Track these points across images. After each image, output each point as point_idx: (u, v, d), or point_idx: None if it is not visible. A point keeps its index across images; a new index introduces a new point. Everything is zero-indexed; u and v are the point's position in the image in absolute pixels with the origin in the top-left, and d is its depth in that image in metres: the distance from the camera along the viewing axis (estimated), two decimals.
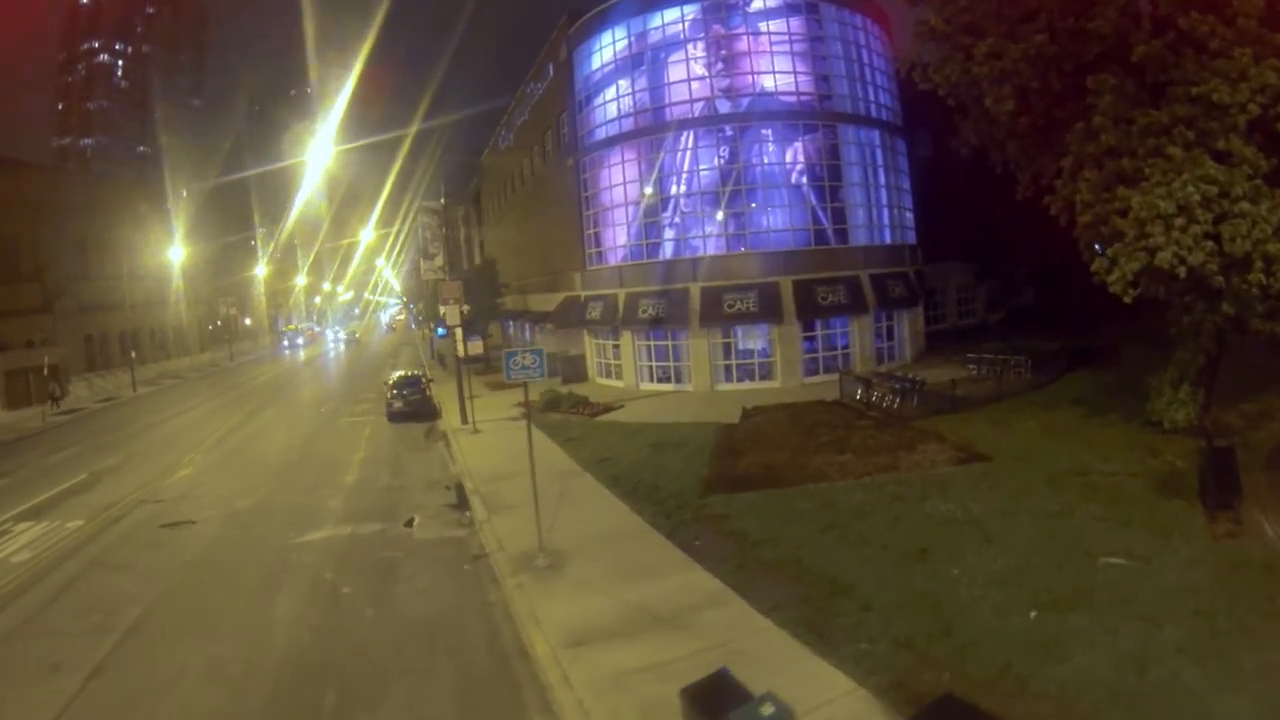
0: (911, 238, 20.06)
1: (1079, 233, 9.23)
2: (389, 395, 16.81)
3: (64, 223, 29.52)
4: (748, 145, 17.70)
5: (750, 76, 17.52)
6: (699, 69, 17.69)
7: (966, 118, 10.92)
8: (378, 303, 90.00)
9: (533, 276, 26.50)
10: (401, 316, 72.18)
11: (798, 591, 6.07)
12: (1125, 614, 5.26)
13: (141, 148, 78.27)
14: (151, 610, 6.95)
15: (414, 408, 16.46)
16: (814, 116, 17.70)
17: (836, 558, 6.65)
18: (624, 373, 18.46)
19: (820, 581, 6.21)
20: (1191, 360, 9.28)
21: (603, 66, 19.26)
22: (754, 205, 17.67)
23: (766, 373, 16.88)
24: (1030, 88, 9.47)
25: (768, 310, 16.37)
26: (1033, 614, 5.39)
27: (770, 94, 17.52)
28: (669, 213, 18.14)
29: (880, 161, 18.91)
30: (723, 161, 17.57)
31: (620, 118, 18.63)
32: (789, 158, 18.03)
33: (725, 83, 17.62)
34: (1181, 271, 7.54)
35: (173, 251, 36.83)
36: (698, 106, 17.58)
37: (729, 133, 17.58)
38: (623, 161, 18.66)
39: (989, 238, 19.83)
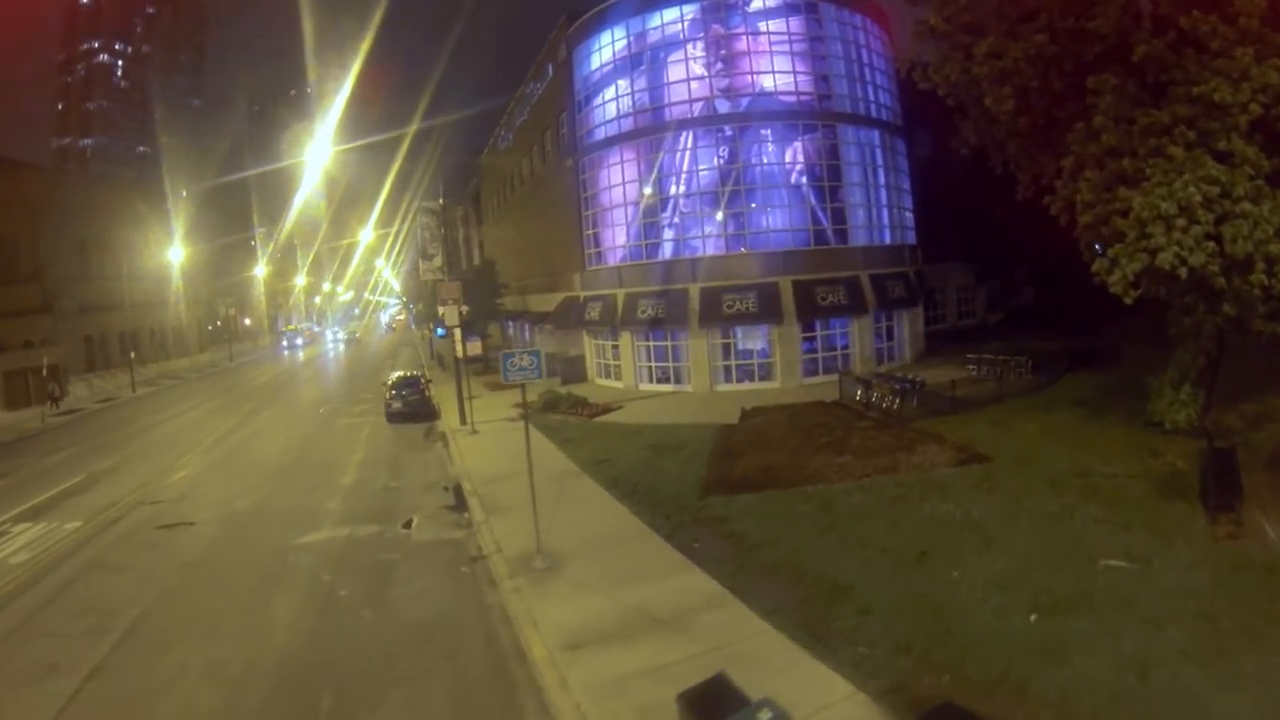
0: (911, 238, 20.02)
1: (1079, 233, 9.19)
2: (388, 396, 16.79)
3: (63, 223, 29.50)
4: (747, 145, 17.66)
5: (750, 76, 17.49)
6: (698, 69, 17.66)
7: (966, 118, 10.89)
8: (378, 303, 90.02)
9: (532, 277, 26.48)
10: (401, 317, 72.19)
11: (796, 594, 6.04)
12: (1126, 616, 5.24)
13: (141, 148, 78.31)
14: (149, 612, 6.93)
15: (413, 408, 16.44)
16: (814, 116, 17.67)
17: (835, 560, 6.62)
18: (623, 373, 18.42)
19: (819, 584, 6.18)
20: (1192, 361, 9.25)
21: (602, 66, 19.22)
22: (753, 205, 17.63)
23: (766, 373, 16.85)
24: (1030, 87, 9.44)
25: (767, 311, 16.34)
26: (1033, 617, 5.36)
27: (770, 94, 17.48)
28: (668, 213, 18.11)
29: (880, 161, 18.88)
30: (722, 161, 17.54)
31: (619, 118, 18.60)
32: (788, 158, 18.00)
33: (725, 83, 17.59)
34: (1183, 272, 7.51)
35: (172, 252, 36.80)
36: (697, 106, 17.55)
37: (728, 133, 17.55)
38: (622, 162, 18.62)
39: (989, 238, 19.80)
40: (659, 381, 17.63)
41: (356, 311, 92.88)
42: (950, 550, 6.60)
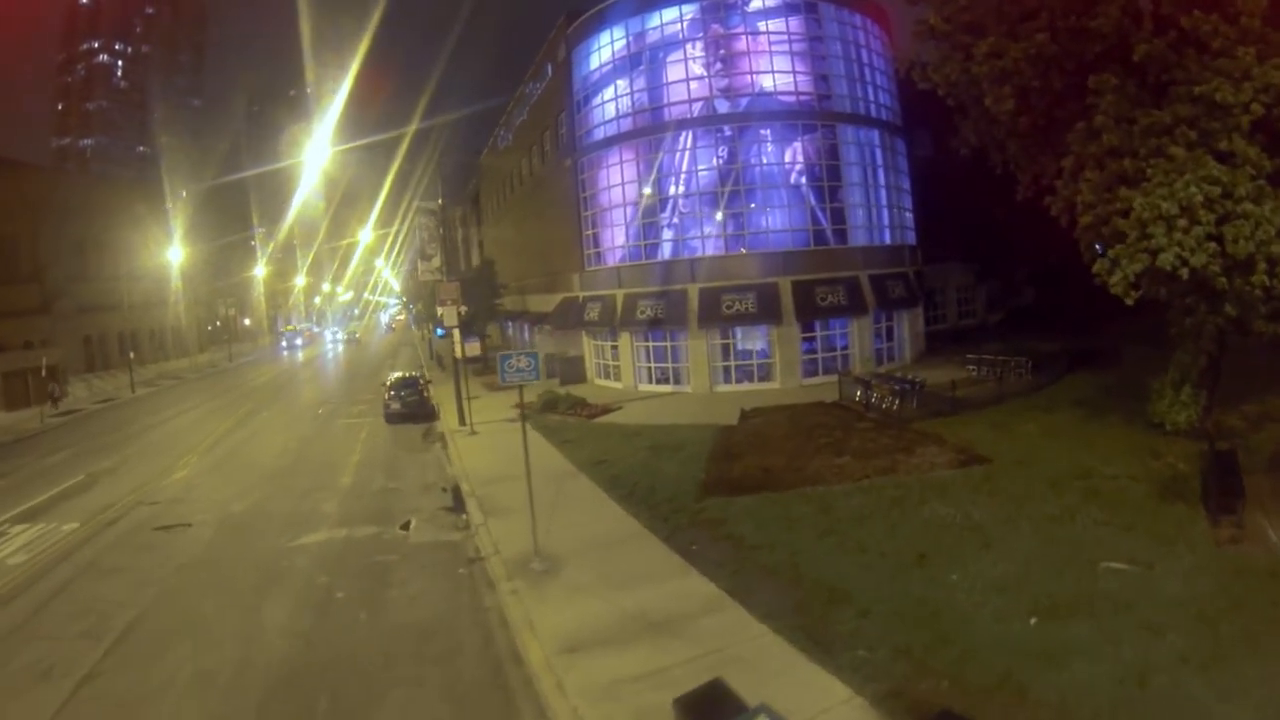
0: (911, 238, 19.98)
1: (1080, 233, 9.16)
2: (386, 397, 16.75)
3: (63, 223, 29.47)
4: (746, 145, 17.63)
5: (749, 76, 17.45)
6: (698, 69, 17.62)
7: (966, 117, 10.86)
8: (377, 303, 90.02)
9: (531, 277, 26.45)
10: (401, 317, 72.12)
11: (795, 597, 6.01)
12: (1127, 621, 5.20)
13: (141, 148, 78.31)
14: (145, 614, 6.91)
15: (411, 409, 16.40)
16: (813, 116, 17.63)
17: (834, 563, 6.59)
18: (622, 374, 18.39)
19: (818, 587, 6.14)
20: (1193, 362, 9.22)
21: (601, 66, 19.19)
22: (753, 206, 17.60)
23: (765, 374, 16.81)
24: (1031, 87, 9.40)
25: (767, 311, 16.30)
26: (1033, 621, 5.32)
27: (769, 94, 17.45)
28: (667, 213, 18.08)
29: (880, 161, 18.84)
30: (721, 162, 17.50)
31: (619, 118, 18.57)
32: (788, 158, 17.96)
33: (724, 83, 17.55)
34: (1184, 273, 7.47)
35: (171, 252, 36.78)
36: (696, 106, 17.51)
37: (728, 133, 17.51)
38: (621, 162, 18.59)
39: (989, 238, 19.76)
40: (658, 382, 17.59)
41: (356, 311, 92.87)
42: (950, 553, 6.56)
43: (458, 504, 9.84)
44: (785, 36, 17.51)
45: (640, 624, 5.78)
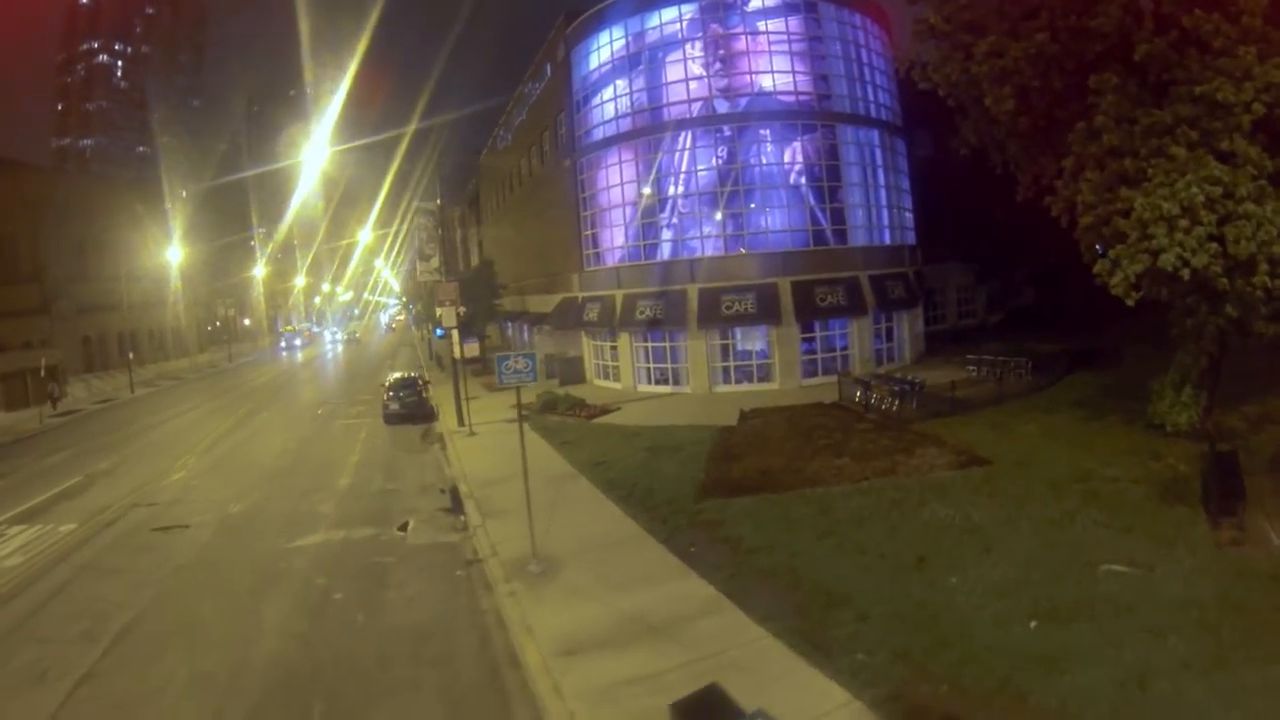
0: (911, 238, 19.95)
1: (1080, 234, 9.12)
2: (385, 397, 16.72)
3: (62, 224, 29.46)
4: (746, 145, 17.59)
5: (748, 76, 17.41)
6: (697, 69, 17.58)
7: (966, 117, 10.82)
8: (377, 303, 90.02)
9: (531, 277, 26.42)
10: (401, 317, 72.16)
11: (793, 600, 5.97)
12: (1128, 625, 5.16)
13: (140, 148, 78.26)
14: (142, 616, 6.89)
15: (410, 410, 16.37)
16: (813, 116, 17.59)
17: (833, 565, 6.55)
18: (621, 374, 18.36)
19: (816, 590, 6.11)
20: (1193, 362, 9.18)
21: (600, 66, 19.15)
22: (752, 206, 17.56)
23: (765, 374, 16.78)
24: (1031, 87, 9.37)
25: (766, 311, 16.27)
26: (1033, 624, 5.29)
27: (769, 94, 17.41)
28: (667, 213, 18.04)
29: (879, 162, 18.80)
30: (721, 162, 17.46)
31: (618, 118, 18.53)
32: (787, 158, 17.92)
33: (723, 83, 17.51)
34: (1185, 274, 7.44)
35: (171, 252, 36.77)
36: (696, 106, 17.48)
37: (727, 133, 17.47)
38: (620, 162, 18.55)
39: (989, 238, 19.72)
40: (657, 383, 17.56)
41: (356, 312, 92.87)
42: (949, 555, 6.53)
43: (456, 505, 9.82)
44: (785, 36, 17.47)
45: (638, 626, 5.75)
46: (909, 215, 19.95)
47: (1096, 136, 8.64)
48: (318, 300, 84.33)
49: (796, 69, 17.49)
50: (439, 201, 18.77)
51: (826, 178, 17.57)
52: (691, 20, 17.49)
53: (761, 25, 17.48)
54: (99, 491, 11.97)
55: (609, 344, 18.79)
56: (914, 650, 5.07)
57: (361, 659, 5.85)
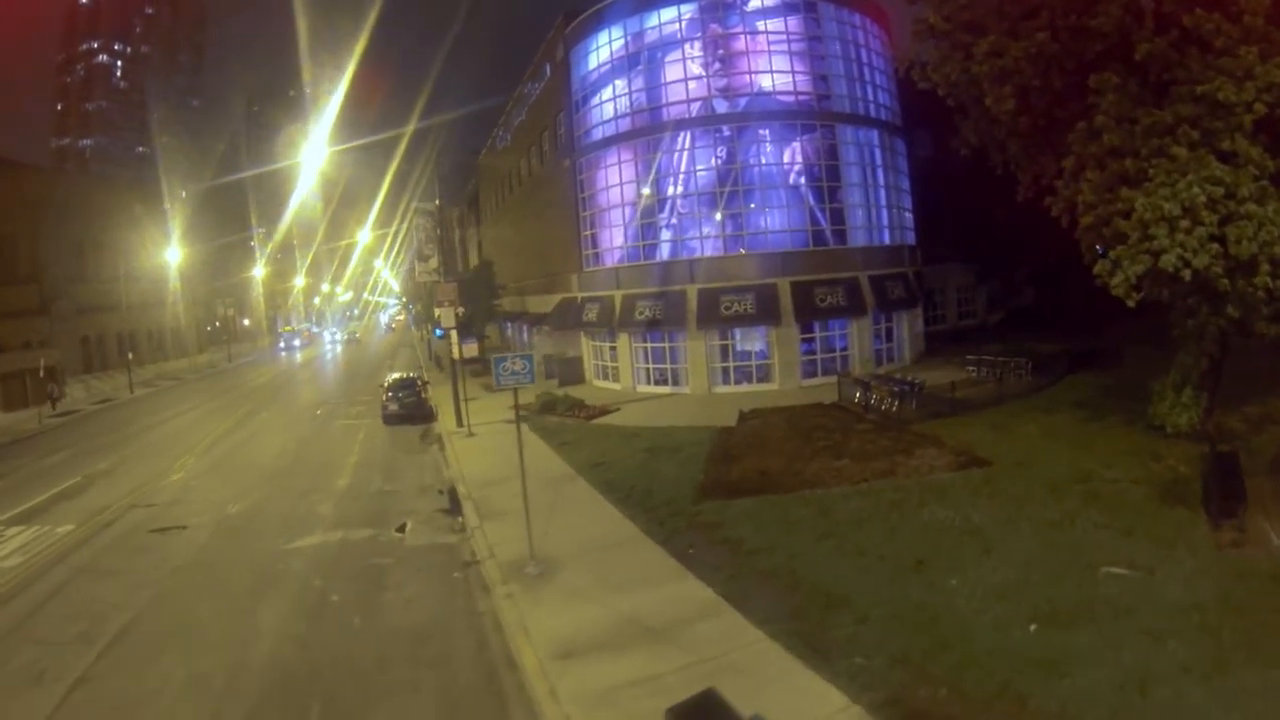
0: (911, 238, 19.91)
1: (1081, 234, 9.09)
2: (384, 398, 16.71)
3: (61, 224, 29.43)
4: (745, 145, 17.56)
5: (748, 76, 17.38)
6: (696, 69, 17.54)
7: (966, 117, 10.79)
8: (377, 303, 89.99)
9: (530, 278, 26.39)
10: (401, 317, 72.13)
11: (792, 603, 5.94)
12: (1128, 628, 5.13)
13: (140, 148, 78.21)
14: (139, 618, 6.87)
15: (409, 410, 16.35)
16: (812, 116, 17.55)
17: (832, 568, 6.53)
18: (621, 375, 18.33)
19: (815, 592, 6.08)
20: (1194, 363, 9.15)
21: (599, 66, 19.12)
22: (752, 206, 17.53)
23: (764, 375, 16.75)
24: (1031, 86, 9.33)
25: (765, 312, 16.24)
26: (1033, 628, 5.26)
27: (768, 94, 17.37)
28: (666, 214, 18.01)
29: (879, 162, 18.76)
30: (720, 162, 17.43)
31: (617, 118, 18.50)
32: (787, 158, 17.89)
33: (723, 82, 17.48)
34: (1186, 274, 7.41)
35: (170, 253, 36.75)
36: (695, 106, 17.44)
37: (726, 133, 17.44)
38: (619, 162, 18.52)
39: (989, 238, 19.68)
40: (657, 383, 17.53)
41: (355, 312, 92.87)
42: (949, 557, 6.50)
43: (454, 506, 9.79)
44: (784, 36, 17.43)
45: (635, 629, 5.72)
46: (909, 215, 19.91)
47: (1097, 136, 8.60)
48: (317, 300, 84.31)
49: (796, 69, 17.45)
50: (437, 202, 18.76)
51: (826, 178, 17.53)
52: (690, 20, 17.46)
53: (761, 25, 17.44)
54: (97, 492, 11.95)
55: (608, 344, 18.76)
56: (913, 653, 5.04)
57: (359, 661, 5.83)
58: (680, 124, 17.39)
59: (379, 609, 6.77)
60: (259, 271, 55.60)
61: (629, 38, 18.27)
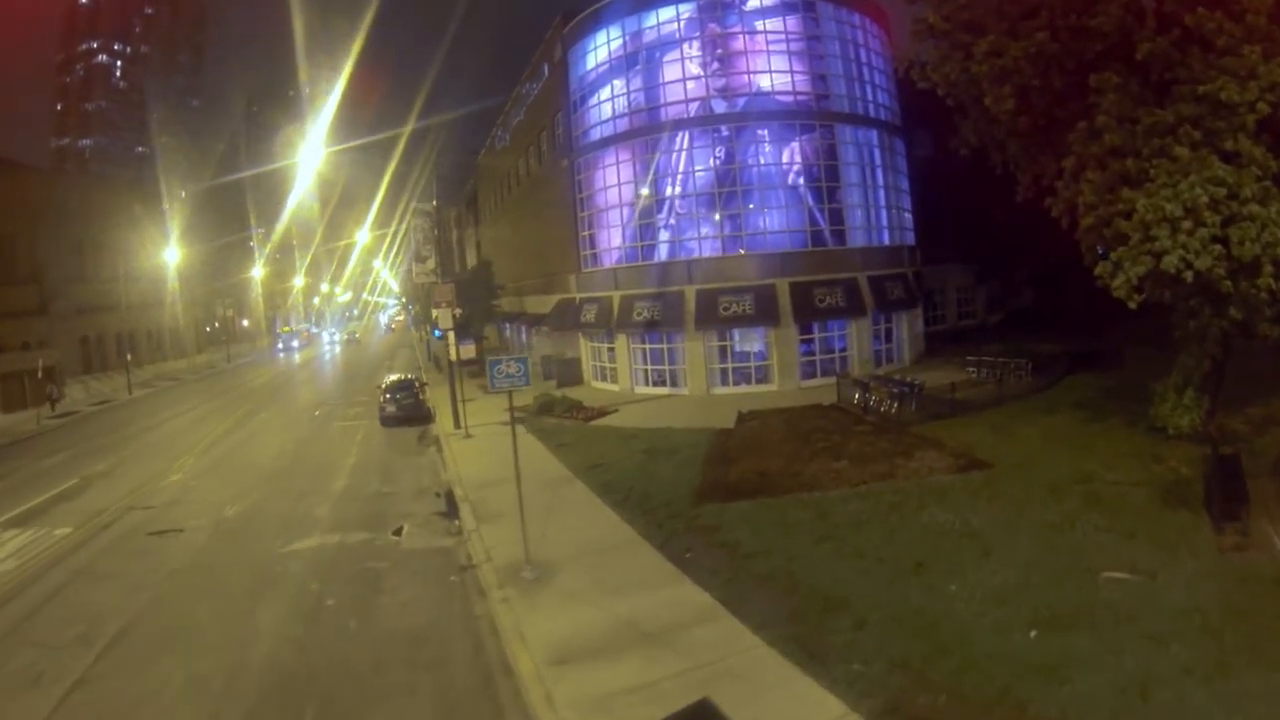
0: (910, 239, 19.86)
1: (1081, 235, 9.04)
2: (382, 399, 16.66)
3: (60, 224, 29.41)
4: (744, 146, 17.51)
5: (746, 76, 17.33)
6: (694, 69, 17.50)
7: (966, 117, 10.74)
8: (376, 303, 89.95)
9: (529, 278, 26.35)
10: (400, 318, 72.07)
11: (790, 607, 5.90)
12: (1129, 632, 5.09)
13: (140, 148, 78.15)
14: (136, 621, 6.85)
15: (407, 412, 16.31)
16: (811, 116, 17.50)
17: (830, 571, 6.48)
18: (619, 376, 18.28)
19: (813, 596, 6.04)
20: (1196, 365, 9.10)
21: (597, 66, 19.07)
22: (750, 206, 17.48)
23: (763, 376, 16.70)
24: (1031, 86, 9.28)
25: (764, 313, 16.19)
26: (1033, 633, 5.21)
27: (767, 94, 17.32)
28: (664, 214, 17.97)
29: (878, 162, 18.71)
30: (719, 162, 17.38)
31: (615, 118, 18.45)
32: (786, 158, 17.84)
33: (721, 82, 17.43)
34: (1188, 276, 7.36)
35: (169, 253, 36.73)
36: (693, 106, 17.40)
37: (725, 133, 17.39)
38: (617, 162, 18.47)
39: (988, 239, 19.64)
40: (655, 384, 17.48)
41: (355, 312, 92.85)
42: (948, 561, 6.46)
43: (451, 509, 9.75)
44: (783, 36, 17.38)
45: (632, 634, 5.68)
46: (908, 216, 19.85)
47: (1098, 136, 8.55)
48: (316, 301, 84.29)
49: (795, 69, 17.40)
50: (435, 202, 18.71)
51: (825, 178, 17.48)
52: (689, 20, 17.41)
53: (759, 25, 17.39)
54: (95, 494, 11.92)
55: (606, 345, 18.71)
56: (912, 658, 5.00)
57: (355, 665, 5.80)
58: (678, 124, 17.35)
59: (375, 613, 6.74)
60: (258, 272, 55.58)
61: (627, 37, 18.23)
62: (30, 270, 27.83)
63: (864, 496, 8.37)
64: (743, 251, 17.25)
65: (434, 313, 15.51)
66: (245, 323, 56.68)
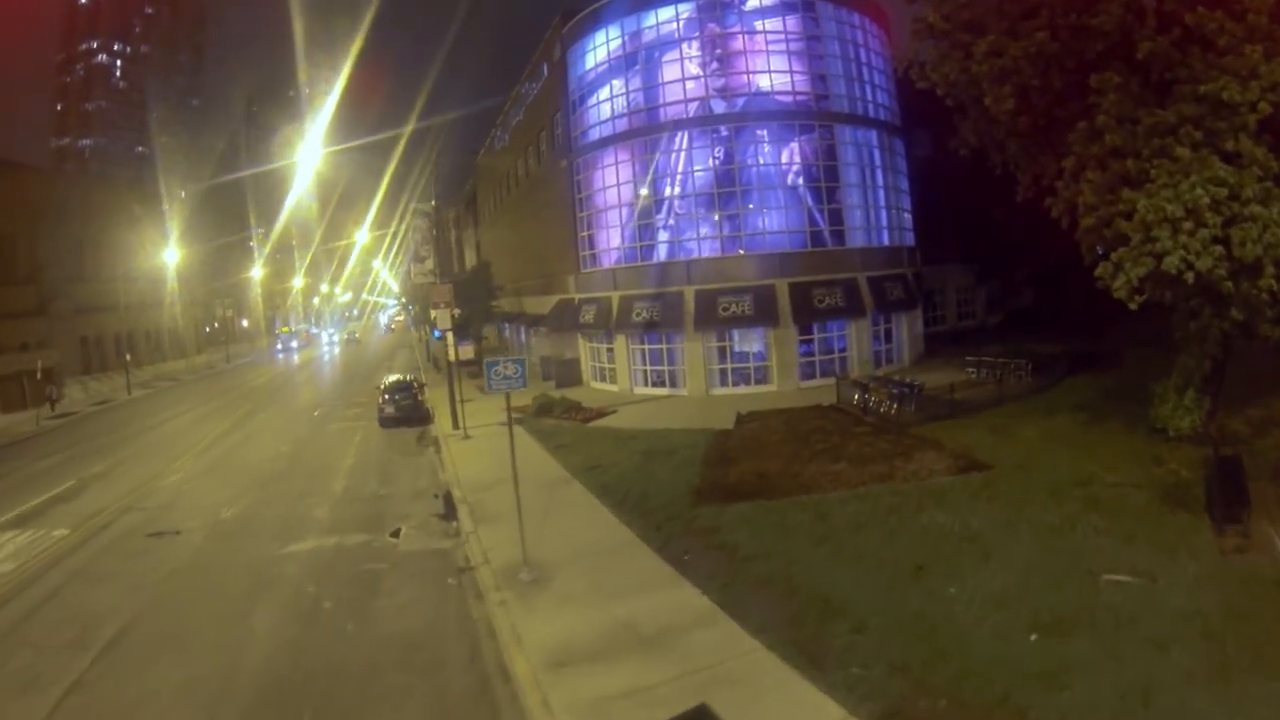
0: (910, 239, 19.82)
1: (1081, 236, 9.00)
2: (380, 400, 16.63)
3: (60, 224, 29.41)
4: (743, 146, 17.47)
5: (746, 76, 17.29)
6: (694, 68, 17.46)
7: (966, 117, 10.70)
8: (376, 303, 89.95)
9: (528, 279, 26.32)
10: (400, 318, 72.03)
11: (788, 611, 5.86)
12: (1130, 637, 5.05)
13: (140, 148, 78.12)
14: (132, 623, 6.84)
15: (405, 413, 16.28)
16: (810, 116, 17.47)
17: (829, 574, 6.44)
18: (618, 377, 18.25)
19: (812, 600, 6.00)
20: (1196, 366, 9.06)
21: (596, 66, 19.03)
22: (750, 207, 17.45)
23: (763, 377, 16.67)
24: (1031, 86, 9.24)
25: (763, 313, 16.16)
26: (1033, 637, 5.18)
27: (766, 94, 17.29)
28: (663, 214, 17.93)
29: (878, 162, 18.67)
30: (718, 162, 17.35)
31: (614, 118, 18.42)
32: (785, 158, 17.80)
33: (720, 82, 17.39)
34: (1189, 277, 7.31)
35: (168, 253, 36.70)
36: (692, 106, 17.36)
37: (724, 133, 17.35)
38: (616, 163, 18.44)
39: (988, 239, 19.59)
40: (654, 385, 17.45)
41: (355, 312, 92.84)
42: (948, 564, 6.42)
43: (449, 510, 9.72)
44: (782, 36, 17.34)
45: (629, 638, 5.64)
46: (908, 216, 19.82)
47: (1098, 136, 8.51)
48: (316, 301, 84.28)
49: (794, 69, 17.36)
50: (434, 203, 18.68)
51: (824, 178, 17.45)
52: (688, 20, 17.37)
53: (759, 25, 17.35)
54: (93, 495, 11.90)
55: (605, 346, 18.68)
56: (911, 663, 4.96)
57: (351, 669, 5.78)
58: (678, 124, 17.31)
59: (372, 615, 6.71)
60: (257, 272, 55.57)
61: (626, 37, 18.19)
62: (29, 270, 27.82)
63: (863, 498, 8.34)
64: (742, 252, 17.21)
65: (432, 313, 15.46)
66: (245, 323, 56.66)
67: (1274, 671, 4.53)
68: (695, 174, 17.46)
